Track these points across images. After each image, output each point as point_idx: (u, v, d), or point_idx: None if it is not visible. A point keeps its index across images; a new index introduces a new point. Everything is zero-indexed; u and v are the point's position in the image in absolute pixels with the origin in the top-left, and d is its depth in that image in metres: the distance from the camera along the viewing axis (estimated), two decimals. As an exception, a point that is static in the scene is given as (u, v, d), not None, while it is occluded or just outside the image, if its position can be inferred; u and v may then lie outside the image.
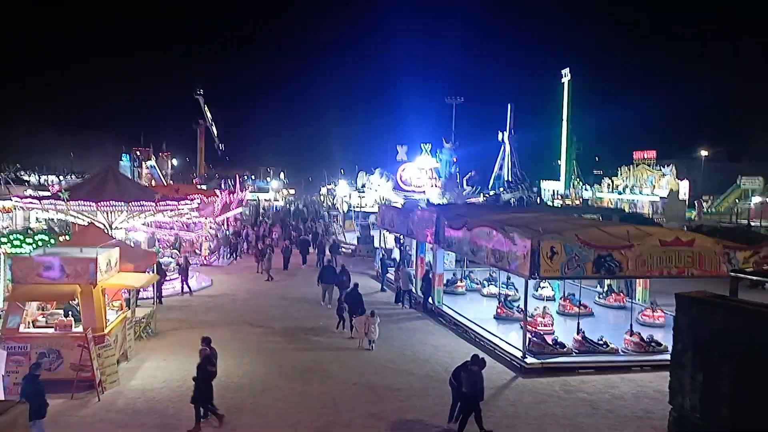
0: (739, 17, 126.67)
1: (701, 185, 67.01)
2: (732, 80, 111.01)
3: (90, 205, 19.85)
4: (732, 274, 5.33)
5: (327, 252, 30.48)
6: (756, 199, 58.56)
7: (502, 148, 71.72)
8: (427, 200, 30.00)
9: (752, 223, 47.85)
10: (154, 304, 18.97)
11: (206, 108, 78.32)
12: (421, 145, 39.87)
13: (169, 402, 12.62)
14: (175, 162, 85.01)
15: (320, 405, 12.74)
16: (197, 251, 31.07)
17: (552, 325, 17.38)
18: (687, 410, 4.08)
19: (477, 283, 24.02)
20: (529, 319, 17.08)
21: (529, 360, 15.02)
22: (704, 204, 60.18)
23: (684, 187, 57.53)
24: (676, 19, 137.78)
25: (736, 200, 61.73)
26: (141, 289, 18.15)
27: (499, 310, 19.43)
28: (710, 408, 3.96)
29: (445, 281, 22.63)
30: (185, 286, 23.29)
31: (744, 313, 3.91)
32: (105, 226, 20.63)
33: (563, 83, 69.85)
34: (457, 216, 20.08)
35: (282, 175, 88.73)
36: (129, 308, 16.01)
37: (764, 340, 3.66)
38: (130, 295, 16.29)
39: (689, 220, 49.59)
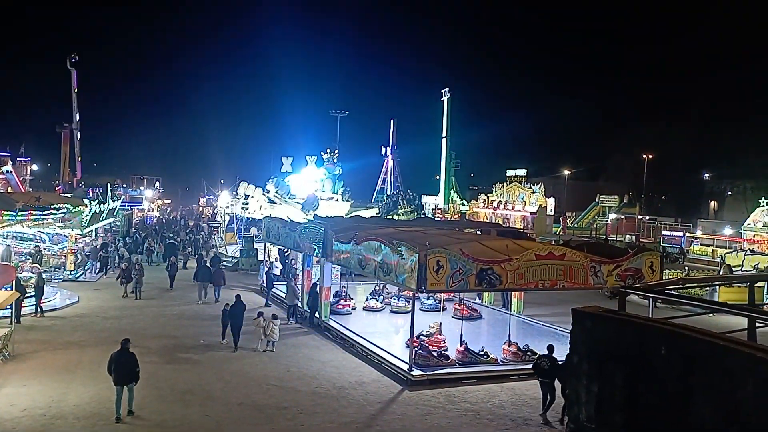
0: (597, 51, 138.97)
1: (565, 202, 72.31)
2: (590, 107, 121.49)
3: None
4: (621, 289, 5.73)
5: (207, 264, 29.31)
6: (612, 216, 64.17)
7: (385, 162, 73.18)
8: (315, 214, 29.74)
9: (609, 238, 52.23)
10: (11, 323, 17.18)
11: (75, 91, 71.03)
12: (306, 157, 39.64)
13: (30, 433, 11.43)
14: (35, 167, 78.09)
15: (202, 429, 12.12)
16: (60, 266, 28.61)
17: (445, 341, 17.58)
18: (582, 421, 4.26)
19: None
20: (423, 336, 17.47)
21: (415, 372, 15.26)
22: (568, 220, 65.01)
23: (551, 204, 61.68)
24: (542, 50, 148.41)
25: (596, 216, 67.23)
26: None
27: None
28: (605, 417, 4.16)
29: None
30: (38, 306, 20.96)
31: (633, 325, 4.16)
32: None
33: (443, 101, 72.59)
34: (345, 229, 20.08)
35: (157, 185, 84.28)
36: (-18, 330, 14.36)
37: (652, 350, 3.92)
38: (-17, 315, 14.64)
39: (555, 234, 53.23)
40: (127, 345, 12.83)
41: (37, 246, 28.23)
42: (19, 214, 18.12)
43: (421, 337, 17.61)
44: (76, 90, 69.35)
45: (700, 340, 3.78)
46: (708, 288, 22.31)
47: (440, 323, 18.53)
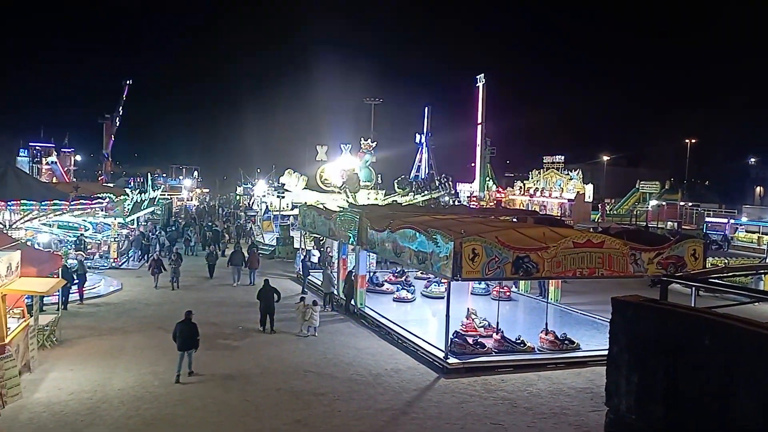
0: (637, 36, 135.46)
1: (604, 189, 70.95)
2: (630, 92, 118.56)
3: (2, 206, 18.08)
4: (663, 278, 5.62)
5: (245, 253, 29.77)
6: (653, 203, 62.73)
7: (420, 149, 72.91)
8: (350, 202, 29.88)
9: (650, 225, 51.10)
10: (58, 310, 17.79)
11: (124, 98, 73.71)
12: (341, 145, 39.81)
13: (77, 415, 11.83)
14: (78, 158, 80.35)
15: (242, 413, 12.36)
16: (104, 253, 29.46)
17: (475, 329, 17.60)
18: (623, 411, 4.20)
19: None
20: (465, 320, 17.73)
21: (451, 360, 15.26)
22: (607, 206, 63.79)
23: (589, 191, 60.57)
24: (581, 37, 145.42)
25: (636, 203, 65.83)
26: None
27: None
28: (645, 408, 4.09)
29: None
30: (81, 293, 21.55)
31: (675, 315, 4.06)
32: (2, 226, 19.10)
33: (478, 87, 71.80)
34: (379, 217, 20.12)
35: (196, 174, 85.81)
36: (31, 315, 14.90)
37: (695, 340, 3.82)
38: (32, 301, 15.18)
39: (594, 221, 52.35)
40: (190, 316, 14.68)
41: (81, 235, 29.07)
42: (71, 203, 18.68)
43: (464, 320, 18.00)
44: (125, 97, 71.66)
45: (745, 330, 3.67)
46: (753, 276, 21.67)
47: (467, 308, 18.47)
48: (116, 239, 30.20)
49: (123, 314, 20.20)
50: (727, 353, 3.68)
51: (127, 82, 71.40)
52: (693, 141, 71.23)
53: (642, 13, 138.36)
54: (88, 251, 28.61)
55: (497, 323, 17.26)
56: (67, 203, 18.78)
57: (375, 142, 40.54)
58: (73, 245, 27.94)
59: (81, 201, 19.44)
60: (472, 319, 18.08)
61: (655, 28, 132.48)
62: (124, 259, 30.32)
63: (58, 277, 17.76)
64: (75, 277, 21.21)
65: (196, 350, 14.48)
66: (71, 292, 20.95)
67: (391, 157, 64.05)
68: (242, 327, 18.82)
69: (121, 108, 72.17)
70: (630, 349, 4.32)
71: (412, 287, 23.68)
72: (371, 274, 24.64)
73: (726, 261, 29.58)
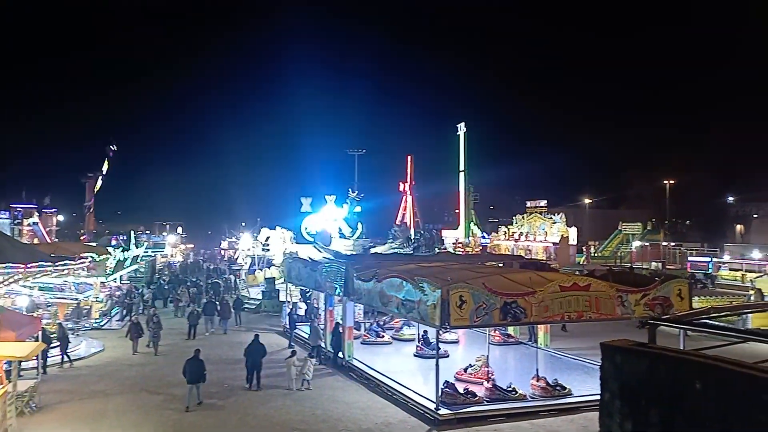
0: (614, 80, 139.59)
1: (586, 231, 71.48)
2: (610, 135, 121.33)
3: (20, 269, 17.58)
4: (650, 321, 5.59)
5: (214, 300, 29.44)
6: (636, 243, 63.21)
7: (403, 198, 73.25)
8: (335, 251, 29.73)
9: (634, 266, 51.32)
10: (38, 374, 17.25)
11: (107, 162, 73.80)
12: (326, 197, 39.93)
13: (56, 486, 11.33)
14: (60, 218, 79.61)
15: (229, 476, 11.93)
16: (84, 315, 28.79)
17: (489, 374, 17.09)
18: (617, 460, 4.10)
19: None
20: (470, 370, 17.65)
21: (443, 411, 14.95)
22: (591, 249, 64.16)
23: (573, 234, 60.96)
24: (560, 82, 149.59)
25: (619, 245, 66.27)
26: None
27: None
28: (642, 456, 4.00)
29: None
30: (64, 356, 20.83)
31: (665, 359, 4.03)
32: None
33: (459, 136, 72.86)
34: (366, 267, 20.01)
35: (180, 230, 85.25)
36: (9, 381, 14.42)
37: (688, 384, 3.78)
38: (11, 366, 14.71)
39: (579, 264, 52.51)
40: (198, 354, 16.67)
41: (76, 299, 28.30)
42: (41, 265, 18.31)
43: (469, 369, 17.80)
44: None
45: (735, 372, 3.64)
46: (740, 315, 21.72)
47: (486, 355, 18.08)
48: (98, 299, 29.60)
49: (105, 376, 19.62)
50: (719, 396, 3.63)
51: (112, 147, 71.05)
52: (672, 182, 72.47)
53: (619, 57, 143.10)
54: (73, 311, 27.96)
55: (487, 371, 17.03)
56: (57, 263, 18.50)
57: (362, 194, 40.76)
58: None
59: (64, 260, 19.08)
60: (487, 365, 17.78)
61: (632, 71, 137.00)
62: (107, 319, 29.67)
63: (37, 340, 17.31)
64: (54, 340, 20.66)
65: (204, 382, 16.34)
66: (55, 355, 20.39)
67: (375, 207, 64.24)
68: (227, 385, 18.35)
69: (104, 170, 71.73)
70: (622, 396, 4.25)
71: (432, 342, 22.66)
72: (370, 324, 24.59)
73: (713, 299, 29.67)
